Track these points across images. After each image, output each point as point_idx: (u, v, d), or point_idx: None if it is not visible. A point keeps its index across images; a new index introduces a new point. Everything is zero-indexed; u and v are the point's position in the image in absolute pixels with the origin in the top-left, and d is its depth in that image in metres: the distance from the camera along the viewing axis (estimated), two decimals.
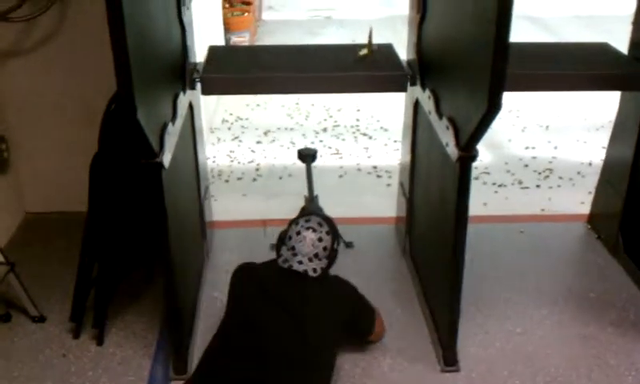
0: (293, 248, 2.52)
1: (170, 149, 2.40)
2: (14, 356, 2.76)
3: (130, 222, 2.96)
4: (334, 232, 2.60)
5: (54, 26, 3.33)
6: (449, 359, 2.70)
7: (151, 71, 2.24)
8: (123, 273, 3.00)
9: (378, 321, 2.76)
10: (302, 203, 3.43)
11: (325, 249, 2.53)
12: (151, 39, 2.26)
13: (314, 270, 2.50)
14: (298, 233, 2.53)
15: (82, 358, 2.76)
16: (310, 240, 2.51)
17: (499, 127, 5.16)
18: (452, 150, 2.38)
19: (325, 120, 5.59)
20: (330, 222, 2.63)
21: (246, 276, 2.62)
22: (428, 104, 2.73)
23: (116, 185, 2.85)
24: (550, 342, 2.85)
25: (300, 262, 2.49)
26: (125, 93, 1.95)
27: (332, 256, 2.59)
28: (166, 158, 2.32)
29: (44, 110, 3.54)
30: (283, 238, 2.60)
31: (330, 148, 5.00)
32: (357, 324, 2.67)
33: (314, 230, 2.53)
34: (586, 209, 3.79)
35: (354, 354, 2.75)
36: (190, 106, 2.97)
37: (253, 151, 4.99)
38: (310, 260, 2.49)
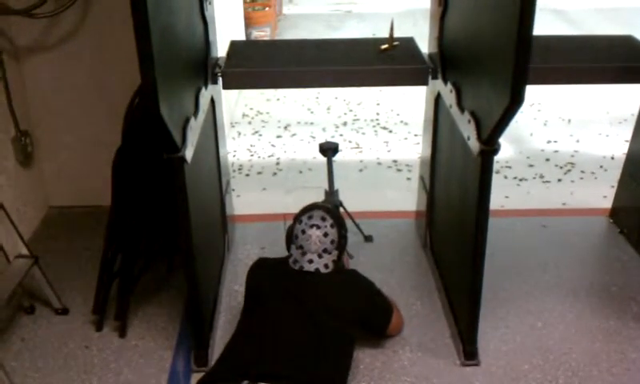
0: (301, 247, 2.53)
1: (193, 143, 2.41)
2: (37, 348, 2.80)
3: (153, 215, 2.98)
4: (338, 222, 2.60)
5: (78, 21, 3.36)
6: (469, 353, 2.70)
7: (174, 66, 2.26)
8: (145, 265, 3.03)
9: (396, 314, 2.76)
10: (322, 197, 3.43)
11: (332, 242, 2.54)
12: (174, 34, 2.28)
13: (326, 266, 2.51)
14: (303, 232, 2.54)
15: (104, 350, 2.79)
16: (315, 237, 2.52)
17: (521, 121, 5.13)
18: (473, 144, 2.37)
19: (345, 114, 5.59)
20: (332, 212, 2.62)
21: (261, 272, 2.64)
22: (449, 97, 2.72)
23: (139, 179, 2.87)
24: (571, 336, 2.84)
25: (310, 261, 2.50)
26: (148, 88, 1.96)
27: (341, 245, 2.59)
28: (189, 153, 2.33)
29: (67, 104, 3.58)
30: (290, 236, 2.61)
31: (350, 142, 5.00)
32: (372, 319, 2.68)
33: (318, 227, 2.53)
34: (608, 203, 3.76)
35: (374, 348, 2.76)
36: (212, 101, 2.99)
37: (273, 145, 5.00)
38: (320, 256, 2.51)
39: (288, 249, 2.61)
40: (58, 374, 2.67)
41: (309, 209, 2.63)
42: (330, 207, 2.69)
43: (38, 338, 2.86)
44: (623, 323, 2.91)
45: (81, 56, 3.44)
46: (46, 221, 3.77)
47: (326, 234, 2.53)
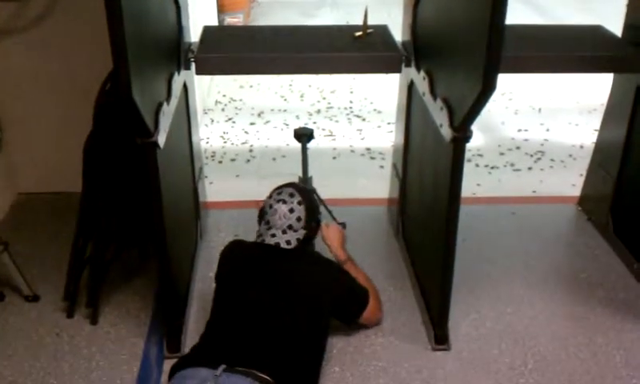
0: (267, 222, 2.54)
1: (165, 129, 2.40)
2: (7, 335, 2.77)
3: (124, 201, 2.96)
4: (308, 202, 2.58)
5: (49, 4, 3.31)
6: (440, 338, 2.73)
7: (147, 51, 2.24)
8: (117, 252, 3.01)
9: (372, 306, 2.72)
10: None
11: (299, 219, 2.53)
12: (147, 18, 2.26)
13: (288, 242, 2.50)
14: (271, 206, 2.55)
15: (75, 336, 2.77)
16: (281, 212, 2.52)
17: (492, 110, 5.18)
18: (446, 131, 2.39)
19: (318, 102, 5.59)
20: (303, 191, 2.62)
21: (231, 254, 2.64)
22: (422, 85, 2.74)
23: (110, 164, 2.85)
24: (540, 321, 2.89)
25: (273, 235, 2.50)
26: (121, 72, 1.95)
27: (311, 226, 2.58)
28: (161, 138, 2.32)
29: (38, 89, 3.53)
30: (260, 212, 2.62)
31: (323, 130, 5.01)
32: (345, 309, 2.66)
33: (285, 202, 2.53)
34: (576, 191, 3.82)
35: (347, 334, 2.77)
36: (185, 87, 2.97)
37: (246, 132, 4.99)
38: (284, 232, 2.51)
39: (259, 225, 2.62)
40: (29, 360, 2.64)
41: (281, 186, 2.64)
42: (304, 187, 2.69)
43: (8, 325, 2.83)
44: (590, 308, 2.96)
45: (51, 40, 3.39)
46: (15, 207, 3.72)
47: (291, 210, 2.52)
